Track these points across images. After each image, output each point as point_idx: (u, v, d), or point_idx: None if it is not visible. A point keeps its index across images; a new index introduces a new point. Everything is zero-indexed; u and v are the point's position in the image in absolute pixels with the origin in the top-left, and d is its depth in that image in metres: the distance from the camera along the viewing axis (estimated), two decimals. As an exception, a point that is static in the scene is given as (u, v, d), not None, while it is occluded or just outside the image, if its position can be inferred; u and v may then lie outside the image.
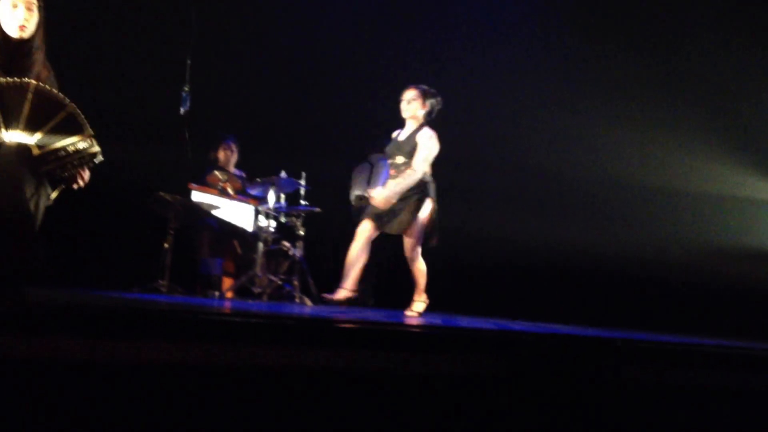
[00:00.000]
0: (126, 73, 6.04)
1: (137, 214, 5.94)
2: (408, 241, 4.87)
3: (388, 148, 5.05)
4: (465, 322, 4.33)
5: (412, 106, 5.02)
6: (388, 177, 4.87)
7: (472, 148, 6.53)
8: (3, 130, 3.04)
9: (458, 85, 6.69)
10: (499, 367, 2.91)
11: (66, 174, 3.20)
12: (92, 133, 3.17)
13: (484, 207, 6.56)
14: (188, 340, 2.54)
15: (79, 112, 3.15)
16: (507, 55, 6.68)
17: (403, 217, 4.83)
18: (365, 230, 4.87)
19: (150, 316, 2.67)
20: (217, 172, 6.12)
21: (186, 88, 5.52)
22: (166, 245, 5.60)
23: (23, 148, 3.07)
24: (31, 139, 3.08)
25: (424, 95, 5.04)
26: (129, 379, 2.44)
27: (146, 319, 2.59)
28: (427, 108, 5.04)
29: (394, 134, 5.16)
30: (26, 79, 3.07)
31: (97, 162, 3.24)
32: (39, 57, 3.26)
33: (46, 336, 2.36)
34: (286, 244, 6.00)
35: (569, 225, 6.25)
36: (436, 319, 4.37)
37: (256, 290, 5.68)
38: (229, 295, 5.77)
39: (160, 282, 5.50)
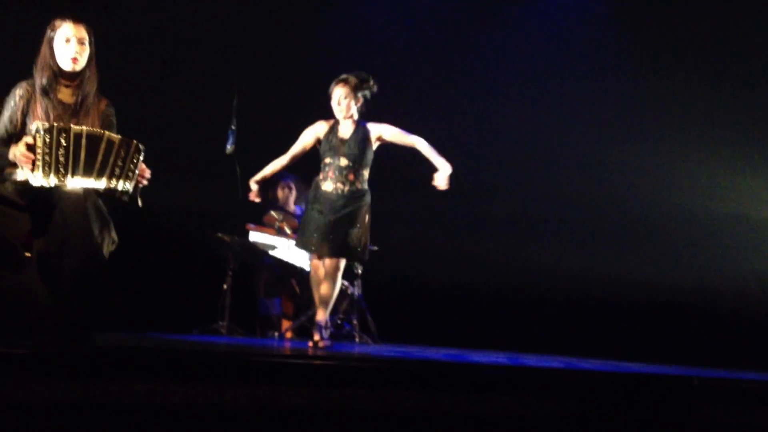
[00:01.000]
0: (181, 115, 6.12)
1: (196, 255, 5.97)
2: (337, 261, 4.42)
3: (324, 148, 4.52)
4: (532, 360, 4.21)
5: (343, 105, 4.46)
6: None
7: (543, 180, 6.47)
8: (69, 177, 3.13)
9: (523, 116, 6.66)
10: (569, 407, 2.80)
11: (132, 182, 3.29)
12: (123, 138, 3.28)
13: (551, 240, 6.45)
14: (248, 382, 2.53)
15: (114, 135, 3.27)
16: (572, 84, 6.60)
17: (352, 237, 4.40)
18: (316, 264, 4.52)
19: (211, 358, 2.65)
20: (273, 212, 6.13)
21: (233, 126, 5.53)
22: (225, 286, 5.62)
23: (87, 193, 3.16)
24: (91, 180, 3.19)
25: (355, 90, 4.47)
26: (194, 422, 2.42)
27: (207, 362, 2.57)
28: (361, 102, 4.51)
29: (324, 128, 4.55)
30: (81, 127, 3.20)
31: (143, 153, 3.32)
32: (92, 89, 3.39)
33: (114, 380, 2.37)
34: (345, 282, 5.97)
35: (640, 257, 6.09)
36: (501, 358, 4.26)
37: (315, 330, 5.64)
38: (288, 335, 5.75)
39: (220, 323, 5.50)
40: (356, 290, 5.90)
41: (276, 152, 6.45)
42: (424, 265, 6.54)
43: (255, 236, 5.96)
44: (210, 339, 4.98)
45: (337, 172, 4.45)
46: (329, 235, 4.41)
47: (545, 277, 6.27)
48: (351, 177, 4.46)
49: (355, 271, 5.97)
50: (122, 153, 3.24)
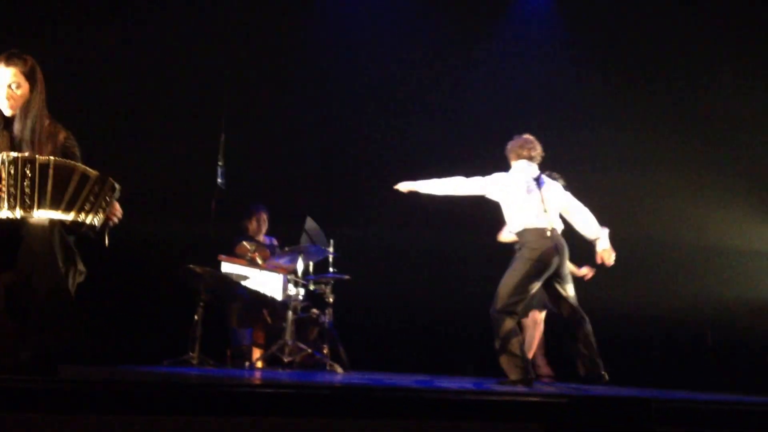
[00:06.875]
0: (155, 148, 6.15)
1: (167, 287, 5.97)
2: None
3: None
4: (496, 385, 4.24)
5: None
6: None
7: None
8: (35, 209, 3.12)
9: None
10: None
11: (101, 218, 3.27)
12: (100, 174, 3.26)
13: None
14: (219, 413, 2.53)
15: (90, 170, 3.24)
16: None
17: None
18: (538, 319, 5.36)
19: (181, 390, 2.66)
20: (245, 243, 6.15)
21: (220, 162, 5.59)
22: (196, 317, 5.61)
23: (54, 224, 3.13)
24: (59, 213, 3.17)
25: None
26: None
27: (178, 394, 2.58)
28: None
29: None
30: (47, 157, 3.18)
31: (117, 193, 3.32)
32: (38, 122, 3.34)
33: (79, 414, 2.36)
34: (316, 311, 5.99)
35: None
36: (467, 384, 4.29)
37: (287, 359, 5.64)
38: (259, 365, 5.74)
39: (191, 354, 5.48)
40: (327, 319, 5.92)
41: (258, 186, 6.56)
42: (394, 295, 6.59)
43: (227, 267, 5.97)
44: (181, 370, 4.97)
45: None
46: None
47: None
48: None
49: (326, 299, 6.00)
50: (96, 189, 3.23)
